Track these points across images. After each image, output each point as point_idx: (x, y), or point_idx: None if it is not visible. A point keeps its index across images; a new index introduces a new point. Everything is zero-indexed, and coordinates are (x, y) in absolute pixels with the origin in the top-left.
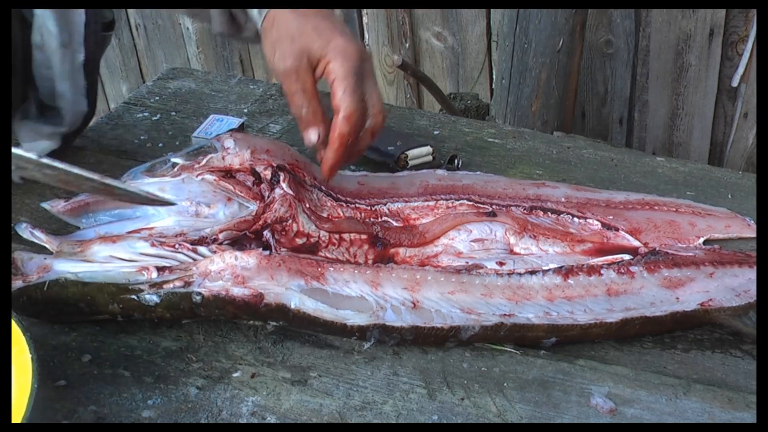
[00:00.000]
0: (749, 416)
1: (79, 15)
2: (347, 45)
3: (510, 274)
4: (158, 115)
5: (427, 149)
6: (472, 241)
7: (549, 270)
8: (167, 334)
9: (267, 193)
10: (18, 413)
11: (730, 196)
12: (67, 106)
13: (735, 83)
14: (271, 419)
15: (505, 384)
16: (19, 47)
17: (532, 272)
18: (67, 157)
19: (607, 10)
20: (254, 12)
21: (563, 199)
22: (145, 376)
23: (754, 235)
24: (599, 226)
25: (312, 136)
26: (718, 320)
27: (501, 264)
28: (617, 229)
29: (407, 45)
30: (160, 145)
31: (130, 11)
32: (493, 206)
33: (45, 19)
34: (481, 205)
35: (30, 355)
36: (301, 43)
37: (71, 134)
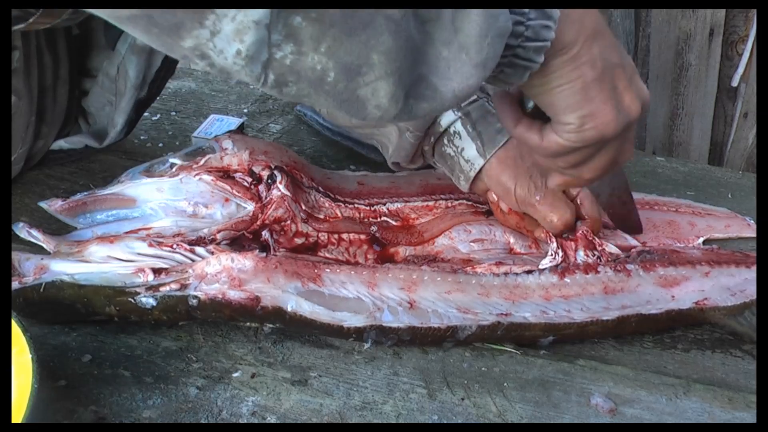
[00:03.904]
0: (749, 416)
1: (157, 60)
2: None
3: (506, 273)
4: (158, 115)
5: None
6: (471, 241)
7: (545, 269)
8: (167, 334)
9: (264, 194)
10: (18, 413)
11: (730, 196)
12: (114, 135)
13: (735, 83)
14: (271, 419)
15: (505, 384)
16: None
17: (529, 271)
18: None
19: (607, 10)
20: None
21: None
22: (145, 376)
23: (753, 234)
24: None
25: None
26: (713, 319)
27: (500, 264)
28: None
29: None
30: (161, 145)
31: None
32: None
33: (128, 62)
34: (480, 205)
35: (30, 355)
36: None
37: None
